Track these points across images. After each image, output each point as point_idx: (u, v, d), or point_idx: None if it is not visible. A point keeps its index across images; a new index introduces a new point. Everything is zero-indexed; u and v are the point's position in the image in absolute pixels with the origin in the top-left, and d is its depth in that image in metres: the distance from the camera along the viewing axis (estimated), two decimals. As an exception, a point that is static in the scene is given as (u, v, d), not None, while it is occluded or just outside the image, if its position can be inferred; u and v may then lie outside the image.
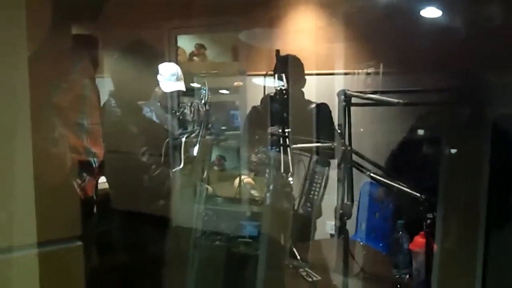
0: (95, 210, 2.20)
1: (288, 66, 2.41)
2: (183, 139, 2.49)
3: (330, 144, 1.99)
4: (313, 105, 2.74)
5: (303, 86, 2.83)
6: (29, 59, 1.27)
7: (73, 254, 1.64)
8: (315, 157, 2.15)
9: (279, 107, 2.22)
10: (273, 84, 2.40)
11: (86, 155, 2.02)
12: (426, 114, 2.42)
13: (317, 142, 2.09)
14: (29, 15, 1.30)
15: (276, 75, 2.33)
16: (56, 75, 1.62)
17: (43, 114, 1.33)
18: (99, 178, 2.35)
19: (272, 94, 2.36)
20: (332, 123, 2.67)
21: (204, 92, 2.60)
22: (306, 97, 2.86)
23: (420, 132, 2.47)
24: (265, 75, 2.51)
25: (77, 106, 1.97)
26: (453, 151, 2.04)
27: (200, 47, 5.45)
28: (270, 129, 2.24)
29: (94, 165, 2.10)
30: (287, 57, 2.63)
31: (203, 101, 2.60)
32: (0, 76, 1.22)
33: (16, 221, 1.23)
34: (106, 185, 2.55)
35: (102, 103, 2.47)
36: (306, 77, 2.88)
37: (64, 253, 1.52)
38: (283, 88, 2.23)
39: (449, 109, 1.91)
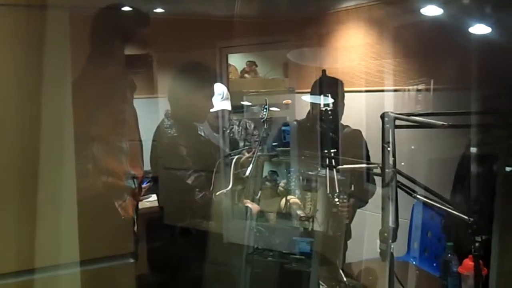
0: (135, 228, 2.21)
1: (328, 87, 2.40)
2: (234, 159, 2.51)
3: (376, 165, 1.97)
4: (348, 130, 2.74)
5: (341, 111, 2.73)
6: (73, 87, 1.31)
7: (124, 271, 1.70)
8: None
9: (323, 126, 2.22)
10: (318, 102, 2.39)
11: (126, 177, 2.05)
12: (480, 132, 2.35)
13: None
14: (73, 44, 1.35)
15: (318, 95, 2.32)
16: (98, 101, 1.66)
17: (85, 140, 1.38)
18: (140, 197, 2.39)
19: (315, 113, 2.33)
20: (366, 150, 2.66)
21: (265, 110, 2.59)
22: (352, 115, 2.83)
23: (473, 150, 2.39)
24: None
25: (117, 129, 2.00)
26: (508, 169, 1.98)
27: (252, 63, 5.52)
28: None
29: (134, 185, 2.13)
30: (329, 79, 2.59)
31: (262, 120, 2.59)
32: (47, 103, 1.27)
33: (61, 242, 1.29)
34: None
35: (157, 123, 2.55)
36: (356, 94, 2.86)
37: (113, 270, 1.58)
38: (328, 108, 2.22)
39: (504, 127, 1.85)
